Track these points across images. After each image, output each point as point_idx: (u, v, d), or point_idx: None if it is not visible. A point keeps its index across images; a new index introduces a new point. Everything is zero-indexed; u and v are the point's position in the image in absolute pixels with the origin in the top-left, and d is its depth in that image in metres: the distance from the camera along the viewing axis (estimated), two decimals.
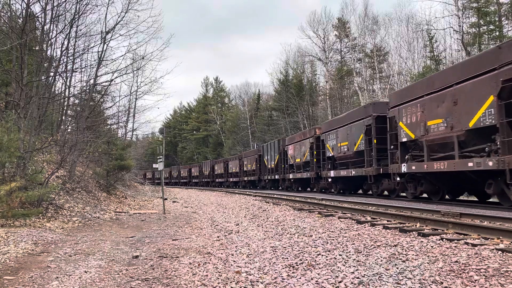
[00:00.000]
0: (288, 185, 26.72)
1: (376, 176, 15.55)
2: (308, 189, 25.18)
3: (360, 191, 19.40)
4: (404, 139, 13.34)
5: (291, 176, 25.30)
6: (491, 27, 32.23)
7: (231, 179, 40.67)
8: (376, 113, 15.56)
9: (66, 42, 16.38)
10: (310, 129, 23.87)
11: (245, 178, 35.92)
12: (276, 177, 28.35)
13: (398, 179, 14.13)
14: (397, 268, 4.77)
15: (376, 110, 15.74)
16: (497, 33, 31.51)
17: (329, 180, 19.57)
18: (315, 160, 21.42)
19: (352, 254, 5.64)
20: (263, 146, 32.52)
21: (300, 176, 23.52)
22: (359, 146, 16.40)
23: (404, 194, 15.08)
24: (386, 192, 16.31)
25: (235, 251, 6.45)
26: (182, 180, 59.48)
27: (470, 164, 10.19)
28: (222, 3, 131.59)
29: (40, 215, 10.27)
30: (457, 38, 32.51)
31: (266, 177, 30.89)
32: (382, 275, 4.52)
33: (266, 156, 30.76)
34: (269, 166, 29.92)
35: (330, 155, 19.40)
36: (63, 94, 18.83)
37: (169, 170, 65.62)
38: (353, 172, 16.86)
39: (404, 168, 13.19)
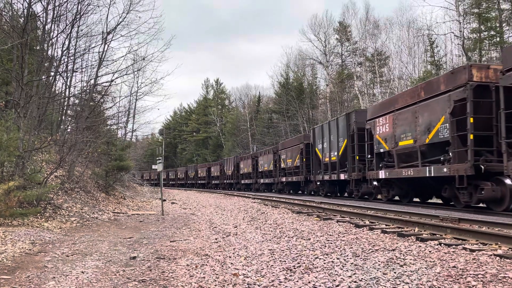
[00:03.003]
0: (369, 191, 15.67)
1: None
2: (430, 199, 14.55)
3: None
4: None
5: (382, 174, 14.06)
6: (492, 32, 32.32)
7: (261, 181, 31.02)
8: None
9: (67, 42, 16.43)
10: (446, 75, 11.45)
11: (283, 179, 25.95)
12: (341, 177, 17.65)
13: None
14: (395, 272, 4.76)
15: None
16: (498, 39, 31.59)
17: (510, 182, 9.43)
18: (471, 137, 10.12)
19: (350, 258, 5.63)
20: (314, 129, 21.82)
21: (415, 174, 12.18)
22: None
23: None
24: None
25: (233, 253, 6.44)
26: (199, 181, 50.14)
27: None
28: (226, 5, 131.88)
29: (38, 214, 10.25)
30: (458, 44, 32.61)
31: (318, 177, 20.29)
32: (379, 279, 4.51)
33: (319, 144, 20.29)
34: (325, 159, 19.49)
35: None
36: (63, 94, 18.83)
37: (184, 169, 60.37)
38: None
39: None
